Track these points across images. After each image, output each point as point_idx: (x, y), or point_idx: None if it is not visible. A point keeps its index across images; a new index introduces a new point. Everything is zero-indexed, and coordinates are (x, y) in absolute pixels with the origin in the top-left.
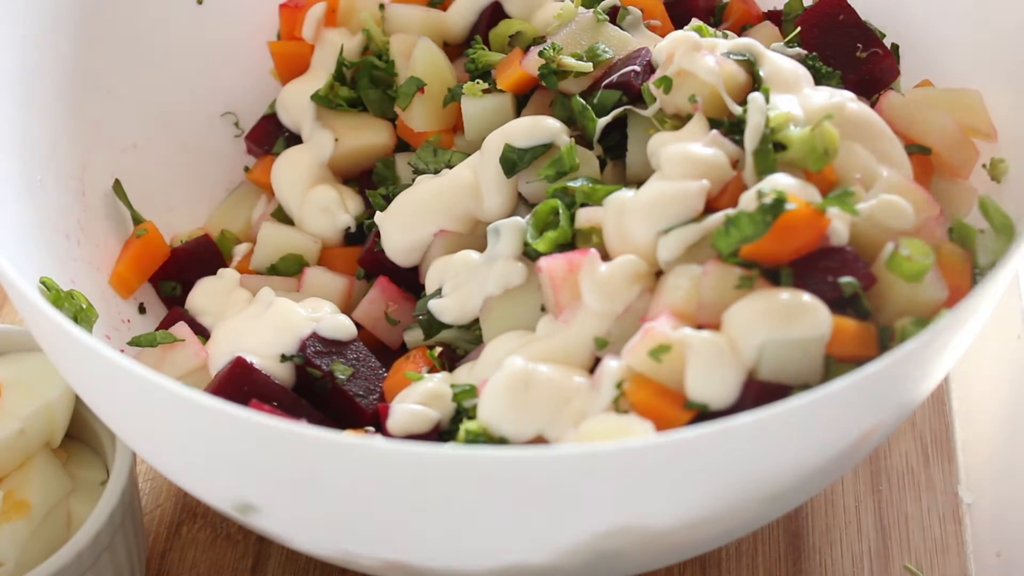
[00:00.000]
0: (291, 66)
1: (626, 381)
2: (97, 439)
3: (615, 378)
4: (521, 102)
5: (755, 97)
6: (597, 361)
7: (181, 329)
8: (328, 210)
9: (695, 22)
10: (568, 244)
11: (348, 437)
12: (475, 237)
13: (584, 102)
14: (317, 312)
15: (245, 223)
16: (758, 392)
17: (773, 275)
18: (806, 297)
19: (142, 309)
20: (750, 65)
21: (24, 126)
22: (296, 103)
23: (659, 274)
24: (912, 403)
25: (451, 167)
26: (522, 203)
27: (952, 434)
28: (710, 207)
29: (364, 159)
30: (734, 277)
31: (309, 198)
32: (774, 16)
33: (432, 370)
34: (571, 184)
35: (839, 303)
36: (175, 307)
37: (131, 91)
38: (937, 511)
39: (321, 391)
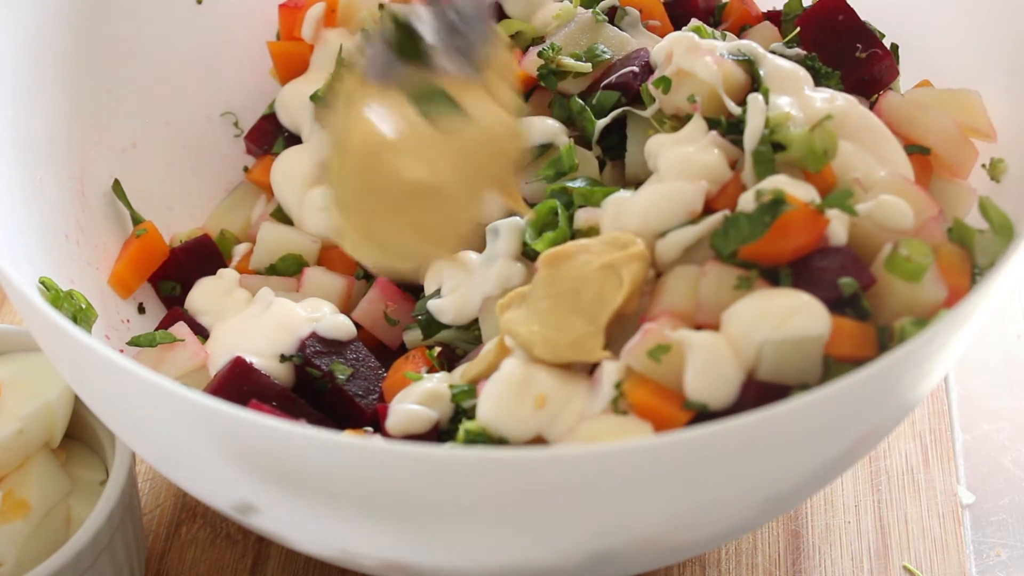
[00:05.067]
0: (291, 66)
1: (625, 381)
2: (97, 439)
3: (614, 378)
4: None
5: (755, 97)
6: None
7: (180, 329)
8: (328, 210)
9: (694, 22)
10: None
11: (347, 437)
12: (474, 238)
13: (583, 103)
14: (316, 312)
15: (245, 223)
16: (757, 392)
17: (772, 275)
18: (805, 297)
19: (141, 309)
20: (749, 65)
21: (24, 126)
22: (295, 103)
23: (658, 275)
24: (912, 403)
25: None
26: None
27: (952, 434)
28: (709, 207)
29: None
30: (733, 277)
31: (309, 198)
32: (774, 16)
33: (431, 370)
34: (570, 185)
35: (838, 303)
36: (175, 307)
37: (131, 91)
38: (937, 511)
39: (320, 391)
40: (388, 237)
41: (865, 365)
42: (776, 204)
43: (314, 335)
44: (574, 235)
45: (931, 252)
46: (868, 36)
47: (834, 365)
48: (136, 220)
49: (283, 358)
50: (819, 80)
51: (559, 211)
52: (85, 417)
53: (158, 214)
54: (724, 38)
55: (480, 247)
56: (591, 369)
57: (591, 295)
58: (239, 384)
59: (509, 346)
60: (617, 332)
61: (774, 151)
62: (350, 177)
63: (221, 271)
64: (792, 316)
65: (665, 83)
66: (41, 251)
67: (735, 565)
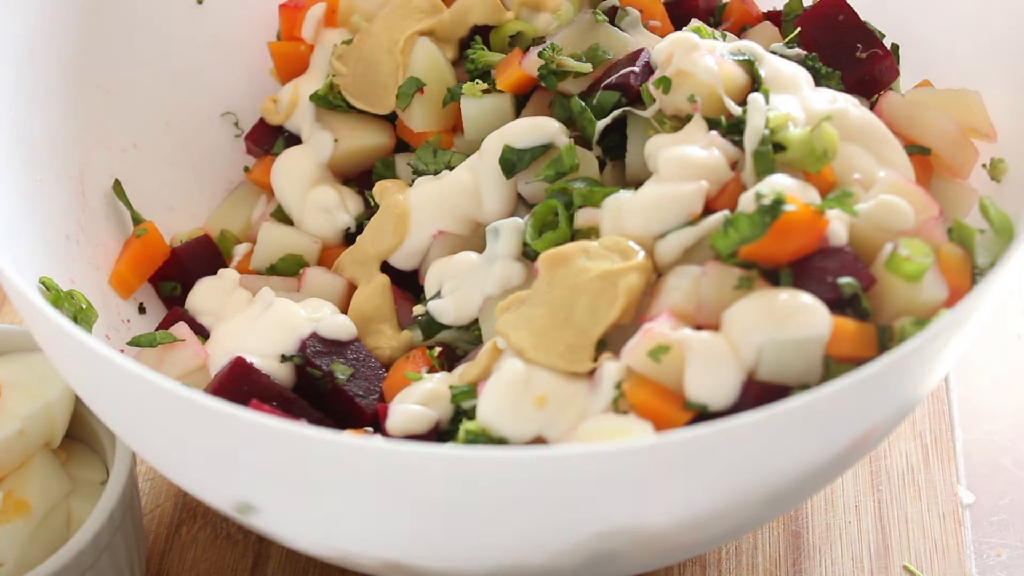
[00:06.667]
0: (291, 66)
1: (625, 381)
2: (97, 439)
3: (615, 378)
4: (520, 103)
5: (755, 98)
6: None
7: (181, 329)
8: (328, 210)
9: (694, 22)
10: None
11: (348, 437)
12: (475, 238)
13: (583, 103)
14: (317, 312)
15: (245, 223)
16: (757, 393)
17: (772, 276)
18: (805, 298)
19: (142, 309)
20: (749, 65)
21: (24, 126)
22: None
23: (659, 275)
24: (912, 403)
25: (451, 168)
26: (521, 204)
27: (952, 434)
28: (709, 208)
29: (364, 159)
30: (733, 278)
31: (309, 198)
32: (774, 16)
33: (431, 370)
34: (570, 185)
35: (838, 303)
36: (175, 307)
37: (131, 91)
38: (937, 511)
39: (321, 391)
40: None
41: (865, 365)
42: (776, 205)
43: (314, 335)
44: (574, 235)
45: (931, 252)
46: (868, 36)
47: (834, 365)
48: (136, 220)
49: (283, 358)
50: (819, 80)
51: (559, 211)
52: (85, 417)
53: (158, 214)
54: (724, 38)
55: (481, 247)
56: (591, 369)
57: (585, 307)
58: (239, 384)
59: (501, 348)
60: (617, 334)
61: (774, 151)
62: None
63: (221, 271)
64: (792, 316)
65: (665, 83)
66: (41, 251)
67: (735, 565)
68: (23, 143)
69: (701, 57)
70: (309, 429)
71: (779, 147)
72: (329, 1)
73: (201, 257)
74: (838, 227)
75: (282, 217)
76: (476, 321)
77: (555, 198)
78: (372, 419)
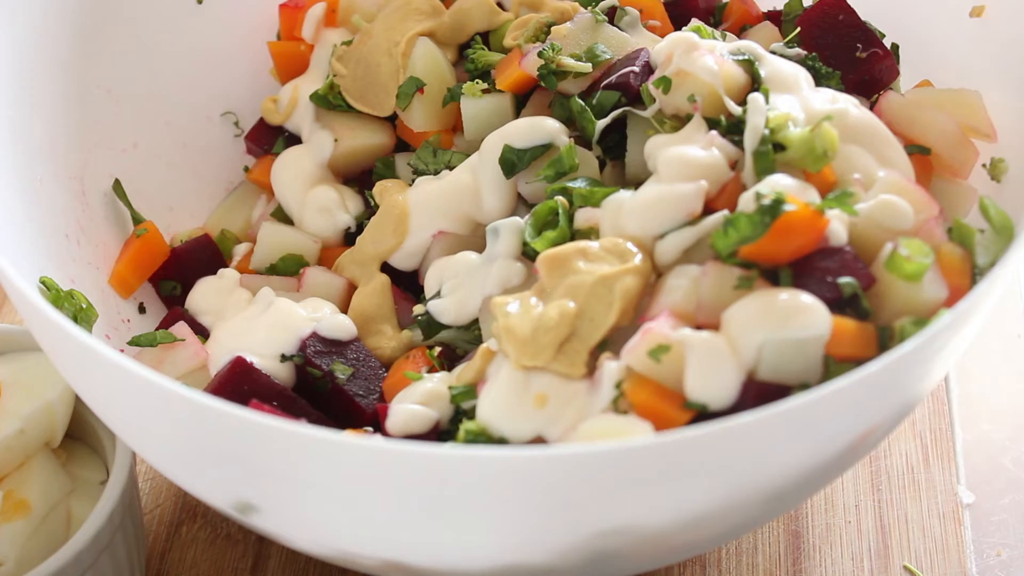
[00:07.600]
0: (291, 66)
1: (625, 381)
2: (97, 439)
3: (615, 378)
4: (520, 102)
5: (755, 97)
6: None
7: (181, 329)
8: (328, 210)
9: (694, 22)
10: None
11: (348, 437)
12: (475, 238)
13: (583, 103)
14: (317, 312)
15: (245, 223)
16: (757, 392)
17: (772, 275)
18: (805, 297)
19: (142, 309)
20: (749, 65)
21: (24, 126)
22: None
23: (659, 275)
24: (912, 403)
25: (451, 168)
26: (521, 203)
27: (952, 434)
28: (709, 207)
29: (364, 159)
30: (733, 277)
31: (309, 198)
32: (774, 16)
33: (431, 370)
34: (570, 185)
35: (838, 303)
36: (175, 307)
37: (131, 91)
38: (937, 511)
39: (321, 391)
40: None
41: (865, 365)
42: (776, 205)
43: (315, 335)
44: (574, 235)
45: (931, 252)
46: (868, 36)
47: (834, 365)
48: (137, 220)
49: (284, 358)
50: (819, 80)
51: (559, 211)
52: (85, 417)
53: (159, 214)
54: (724, 38)
55: (481, 247)
56: (591, 369)
57: (582, 312)
58: (240, 384)
59: (494, 351)
60: (617, 334)
61: (774, 151)
62: None
63: (222, 271)
64: (792, 316)
65: (665, 83)
66: (41, 251)
67: (735, 565)
68: (23, 143)
69: (701, 57)
70: (309, 429)
71: (779, 147)
72: (329, 1)
73: (201, 257)
74: (838, 227)
75: (282, 217)
76: (476, 321)
77: (555, 198)
78: (372, 419)
